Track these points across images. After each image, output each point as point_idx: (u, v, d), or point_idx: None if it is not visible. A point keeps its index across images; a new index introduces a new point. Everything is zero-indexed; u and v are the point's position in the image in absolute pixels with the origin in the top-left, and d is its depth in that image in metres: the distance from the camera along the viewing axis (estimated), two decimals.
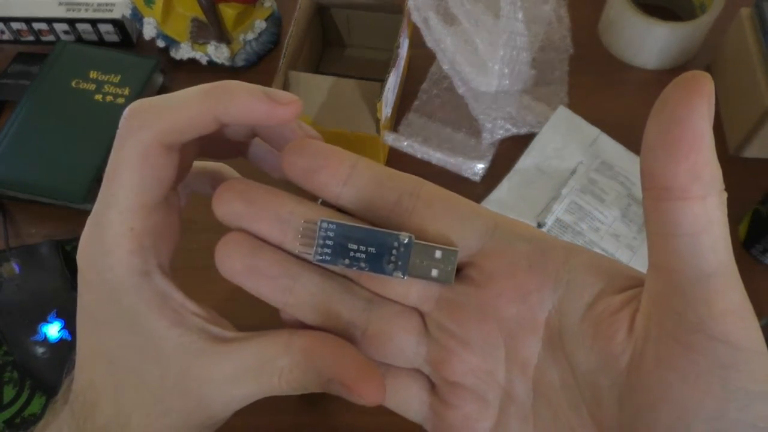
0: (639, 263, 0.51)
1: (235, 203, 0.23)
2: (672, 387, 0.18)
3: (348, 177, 0.23)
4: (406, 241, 0.22)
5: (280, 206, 0.23)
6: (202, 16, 0.63)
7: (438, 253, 0.22)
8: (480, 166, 0.57)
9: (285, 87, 0.54)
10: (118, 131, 0.23)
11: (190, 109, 0.22)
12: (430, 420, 0.24)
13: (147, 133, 0.22)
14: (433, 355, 0.23)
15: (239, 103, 0.22)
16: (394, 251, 0.22)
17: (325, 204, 0.23)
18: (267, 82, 0.53)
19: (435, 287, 0.23)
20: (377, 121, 0.53)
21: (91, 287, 0.23)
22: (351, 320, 0.23)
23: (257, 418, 0.47)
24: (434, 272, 0.22)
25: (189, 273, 0.54)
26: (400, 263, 0.22)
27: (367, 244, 0.22)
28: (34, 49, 0.68)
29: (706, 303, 0.17)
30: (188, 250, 0.54)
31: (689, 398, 0.17)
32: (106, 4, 0.66)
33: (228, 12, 0.64)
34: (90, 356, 0.25)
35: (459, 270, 0.22)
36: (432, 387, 0.24)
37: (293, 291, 0.23)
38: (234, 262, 0.23)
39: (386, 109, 0.54)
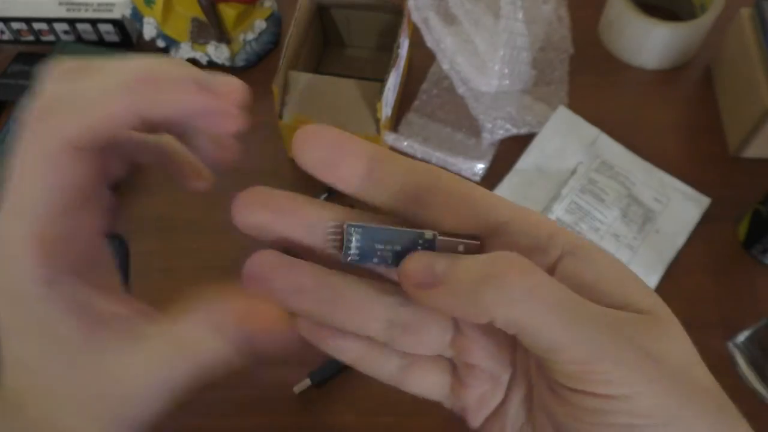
0: (639, 263, 0.51)
1: (261, 213, 0.21)
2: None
3: (369, 171, 0.22)
4: (430, 237, 0.22)
5: (306, 213, 0.22)
6: (202, 16, 0.63)
7: (461, 247, 0.22)
8: (480, 166, 0.57)
9: (285, 87, 0.55)
10: (21, 129, 0.20)
11: (107, 107, 0.20)
12: (449, 399, 0.25)
13: (53, 137, 0.20)
14: (457, 341, 0.23)
15: (168, 99, 0.20)
16: (419, 248, 0.22)
17: (331, 198, 0.24)
18: (267, 82, 0.53)
19: None
20: (377, 121, 0.53)
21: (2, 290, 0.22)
22: (391, 318, 0.23)
23: (257, 418, 0.47)
24: None
25: (190, 273, 0.54)
26: None
27: (393, 243, 0.22)
28: (34, 49, 0.68)
29: (559, 374, 0.19)
30: (188, 249, 0.54)
31: None
32: (106, 4, 0.66)
33: (228, 12, 0.64)
34: (11, 363, 0.23)
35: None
36: (453, 369, 0.25)
37: (334, 302, 0.22)
38: (278, 286, 0.22)
39: (386, 109, 0.54)
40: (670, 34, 0.60)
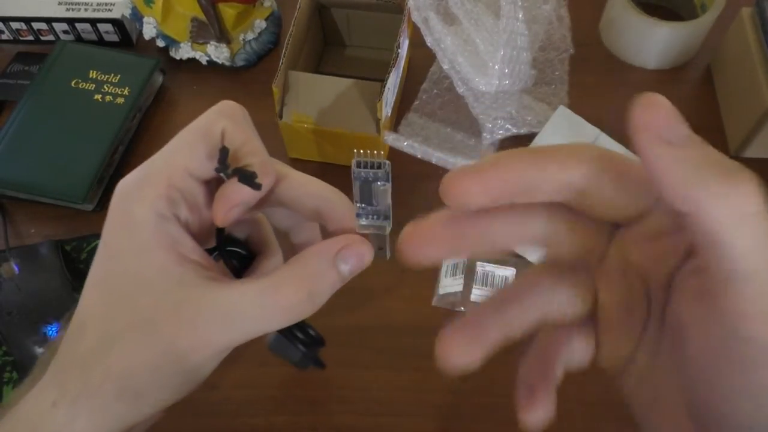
0: None
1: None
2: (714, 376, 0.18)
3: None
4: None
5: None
6: (202, 16, 0.63)
7: None
8: None
9: (285, 87, 0.54)
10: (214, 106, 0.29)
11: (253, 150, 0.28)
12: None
13: (222, 120, 0.28)
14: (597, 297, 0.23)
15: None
16: None
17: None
18: (267, 82, 0.53)
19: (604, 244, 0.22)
20: (377, 121, 0.53)
21: (115, 215, 0.27)
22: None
23: (257, 418, 0.47)
24: None
25: None
26: None
27: None
28: (33, 49, 0.68)
29: (738, 308, 0.17)
30: None
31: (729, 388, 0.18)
32: (106, 4, 0.66)
33: (228, 12, 0.64)
34: (91, 284, 0.27)
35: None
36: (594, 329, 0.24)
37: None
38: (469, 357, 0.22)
39: (386, 109, 0.54)
40: (671, 34, 0.60)
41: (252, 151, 0.28)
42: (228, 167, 0.27)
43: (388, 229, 0.26)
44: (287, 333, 0.35)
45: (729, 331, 0.18)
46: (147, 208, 0.26)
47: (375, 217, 0.26)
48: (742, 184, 0.17)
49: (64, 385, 0.26)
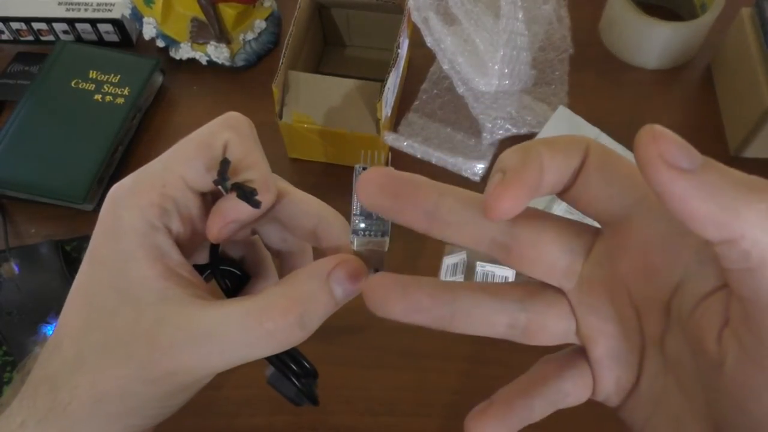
0: None
1: (380, 198, 0.21)
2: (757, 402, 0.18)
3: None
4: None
5: (425, 199, 0.21)
6: (202, 16, 0.63)
7: None
8: (480, 166, 0.57)
9: (285, 87, 0.54)
10: (217, 118, 0.28)
11: (256, 163, 0.27)
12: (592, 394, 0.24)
13: (226, 133, 0.27)
14: (582, 331, 0.23)
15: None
16: None
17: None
18: (267, 82, 0.53)
19: (579, 263, 0.22)
20: (377, 121, 0.53)
21: (104, 220, 0.26)
22: (511, 323, 0.22)
23: (257, 418, 0.47)
24: None
25: None
26: None
27: None
28: (33, 49, 0.68)
29: None
30: None
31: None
32: (106, 4, 0.66)
33: (228, 12, 0.64)
34: (72, 296, 0.26)
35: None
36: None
37: (452, 316, 0.22)
38: (392, 308, 0.22)
39: (386, 109, 0.54)
40: (671, 34, 0.60)
41: (253, 164, 0.27)
42: (227, 180, 0.26)
43: (387, 246, 0.25)
44: (279, 364, 0.33)
45: None
46: (137, 215, 0.25)
47: (373, 232, 0.25)
48: None
49: (34, 403, 0.25)
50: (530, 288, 0.23)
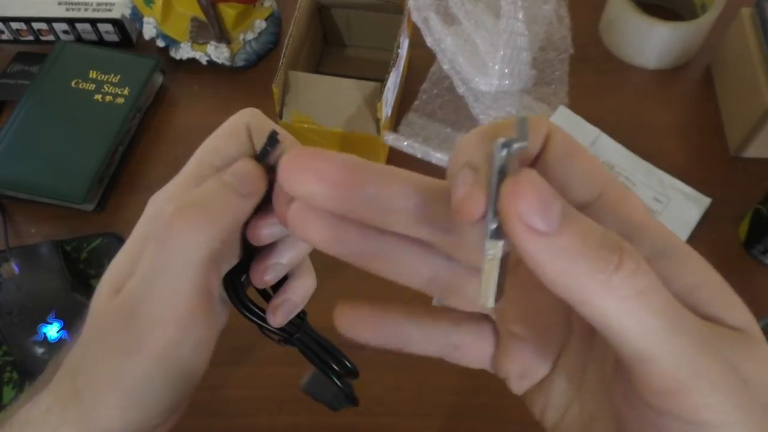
0: None
1: (311, 185, 0.19)
2: None
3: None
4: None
5: (363, 186, 0.19)
6: (202, 16, 0.63)
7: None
8: None
9: (285, 87, 0.54)
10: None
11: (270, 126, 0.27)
12: (491, 366, 0.24)
13: (246, 117, 0.28)
14: (503, 309, 0.22)
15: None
16: None
17: None
18: (267, 82, 0.53)
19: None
20: (377, 121, 0.53)
21: (161, 235, 0.25)
22: (432, 276, 0.21)
23: (257, 419, 0.47)
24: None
25: None
26: None
27: None
28: (33, 49, 0.68)
29: (646, 386, 0.17)
30: None
31: None
32: (106, 4, 0.66)
33: (228, 12, 0.64)
34: (107, 288, 0.27)
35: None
36: (497, 336, 0.23)
37: (379, 253, 0.21)
38: (317, 233, 0.20)
39: (386, 109, 0.54)
40: (671, 34, 0.60)
41: (290, 143, 0.27)
42: (270, 152, 0.26)
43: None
44: (320, 364, 0.33)
45: (645, 405, 0.17)
46: (202, 247, 0.25)
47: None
48: (624, 264, 0.16)
49: (59, 390, 0.27)
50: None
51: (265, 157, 0.26)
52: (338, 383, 0.33)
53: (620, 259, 0.16)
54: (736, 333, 0.18)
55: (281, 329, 0.32)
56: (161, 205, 0.27)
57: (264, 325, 0.31)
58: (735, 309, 0.19)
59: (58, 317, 0.50)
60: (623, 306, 0.16)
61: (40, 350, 0.48)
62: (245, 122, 0.27)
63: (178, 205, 0.25)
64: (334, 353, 0.33)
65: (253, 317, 0.30)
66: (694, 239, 0.53)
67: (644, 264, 0.16)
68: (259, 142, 0.27)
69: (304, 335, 0.32)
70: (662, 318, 0.16)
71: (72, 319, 0.49)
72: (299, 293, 0.32)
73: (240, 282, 0.29)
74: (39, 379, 0.31)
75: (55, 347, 0.49)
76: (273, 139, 0.26)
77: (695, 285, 0.18)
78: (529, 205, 0.15)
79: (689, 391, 0.16)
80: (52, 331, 0.49)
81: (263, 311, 0.31)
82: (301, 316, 0.33)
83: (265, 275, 0.29)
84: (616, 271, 0.16)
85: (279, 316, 0.31)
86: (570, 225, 0.16)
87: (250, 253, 0.29)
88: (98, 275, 0.52)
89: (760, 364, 0.18)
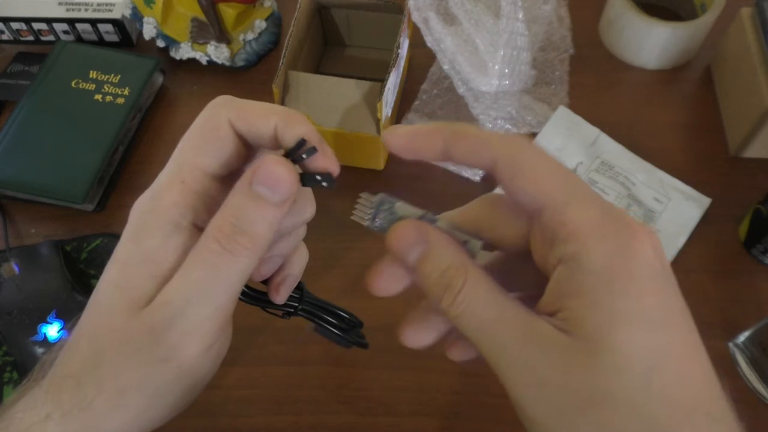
0: None
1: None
2: None
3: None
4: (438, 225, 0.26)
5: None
6: (202, 16, 0.63)
7: (464, 242, 0.26)
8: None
9: (285, 87, 0.54)
10: (207, 105, 0.27)
11: (263, 112, 0.27)
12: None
13: (224, 110, 0.27)
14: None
15: (301, 130, 0.26)
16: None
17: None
18: (267, 82, 0.53)
19: None
20: (377, 121, 0.53)
21: (129, 228, 0.26)
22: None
23: (257, 418, 0.47)
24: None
25: None
26: None
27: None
28: (34, 49, 0.68)
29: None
30: None
31: None
32: (106, 4, 0.66)
33: (228, 12, 0.64)
34: (92, 297, 0.27)
35: None
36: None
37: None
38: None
39: (386, 109, 0.54)
40: (671, 34, 0.60)
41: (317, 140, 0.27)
42: (301, 157, 0.26)
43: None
44: (318, 321, 0.35)
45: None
46: (160, 217, 0.26)
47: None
48: (444, 300, 0.25)
49: (59, 397, 0.26)
50: None
51: (297, 160, 0.26)
52: (348, 338, 0.36)
53: (441, 297, 0.24)
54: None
55: (284, 304, 0.33)
56: (145, 211, 0.27)
57: (267, 305, 0.32)
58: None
59: (58, 317, 0.50)
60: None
61: (40, 350, 0.48)
62: (224, 116, 0.27)
63: (220, 236, 0.25)
64: (337, 313, 0.35)
65: (255, 302, 0.31)
66: (694, 239, 0.53)
67: (460, 297, 0.24)
68: (259, 131, 0.27)
69: (307, 304, 0.33)
70: (479, 332, 0.24)
71: (72, 319, 0.49)
72: (297, 266, 0.33)
73: None
74: (27, 381, 0.30)
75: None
76: (311, 149, 0.26)
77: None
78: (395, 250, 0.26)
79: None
80: (52, 331, 0.49)
81: (262, 293, 0.31)
82: (299, 286, 0.34)
83: (264, 268, 0.30)
84: (442, 299, 0.24)
85: (282, 293, 0.32)
86: (421, 265, 0.25)
87: None
88: (98, 275, 0.52)
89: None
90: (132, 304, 0.25)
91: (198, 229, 0.26)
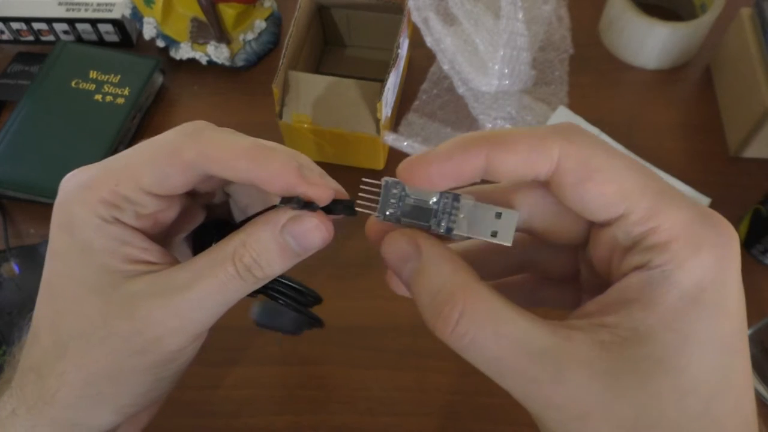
0: None
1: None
2: None
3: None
4: (469, 204, 0.23)
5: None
6: (202, 16, 0.63)
7: (498, 214, 0.22)
8: None
9: (285, 87, 0.54)
10: (176, 128, 0.26)
11: (235, 158, 0.24)
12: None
13: (189, 142, 0.25)
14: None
15: (272, 171, 0.24)
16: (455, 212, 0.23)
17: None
18: (267, 82, 0.53)
19: None
20: (377, 121, 0.53)
21: (57, 215, 0.26)
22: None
23: (257, 419, 0.47)
24: (492, 232, 0.23)
25: None
26: (456, 222, 0.23)
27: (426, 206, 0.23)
28: (34, 49, 0.68)
29: None
30: None
31: None
32: (106, 4, 0.66)
33: (228, 12, 0.64)
34: (41, 289, 0.26)
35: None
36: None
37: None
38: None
39: (386, 109, 0.54)
40: (670, 34, 0.60)
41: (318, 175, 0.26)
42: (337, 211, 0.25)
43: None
44: (273, 294, 0.32)
45: None
46: (87, 210, 0.25)
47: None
48: (438, 327, 0.22)
49: (23, 391, 0.26)
50: None
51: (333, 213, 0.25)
52: (296, 308, 0.32)
53: (435, 325, 0.21)
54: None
55: None
56: (73, 201, 0.26)
57: None
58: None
59: None
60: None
61: None
62: (187, 149, 0.25)
63: (239, 264, 0.25)
64: (299, 288, 0.33)
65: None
66: None
67: (460, 328, 0.20)
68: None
69: (273, 282, 0.32)
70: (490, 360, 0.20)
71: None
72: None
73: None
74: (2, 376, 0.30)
75: None
76: (350, 209, 0.25)
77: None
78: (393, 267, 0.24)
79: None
80: None
81: None
82: None
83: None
84: (436, 329, 0.21)
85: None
86: (412, 284, 0.22)
87: (214, 221, 0.30)
88: None
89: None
90: (90, 293, 0.25)
91: (122, 223, 0.26)
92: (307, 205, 0.25)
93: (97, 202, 0.25)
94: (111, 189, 0.25)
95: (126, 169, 0.26)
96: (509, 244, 0.22)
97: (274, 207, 0.26)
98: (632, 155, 0.58)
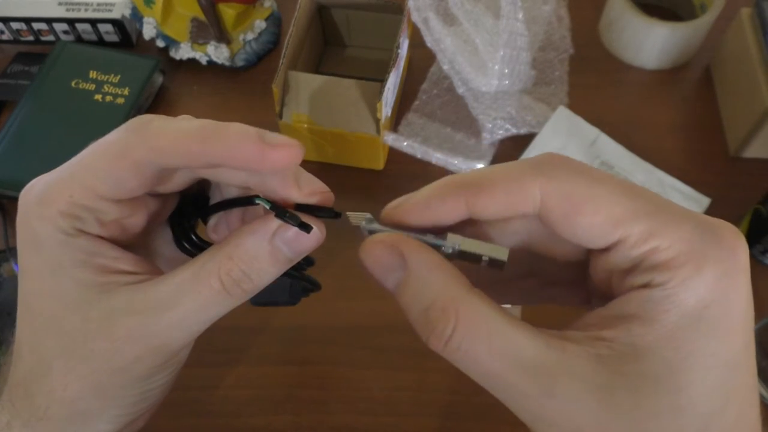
0: None
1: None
2: None
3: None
4: (449, 252, 0.22)
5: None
6: (201, 16, 0.63)
7: (485, 259, 0.22)
8: (480, 167, 0.57)
9: (285, 87, 0.54)
10: (122, 126, 0.24)
11: (185, 143, 0.23)
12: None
13: (135, 138, 0.23)
14: None
15: (229, 144, 0.22)
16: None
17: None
18: (267, 82, 0.53)
19: None
20: (377, 121, 0.53)
21: (20, 231, 0.25)
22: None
23: (257, 419, 0.47)
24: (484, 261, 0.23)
25: None
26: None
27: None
28: (33, 49, 0.68)
29: None
30: None
31: None
32: (106, 4, 0.66)
33: (228, 12, 0.64)
34: (19, 307, 0.26)
35: None
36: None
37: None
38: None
39: (386, 109, 0.54)
40: (670, 34, 0.60)
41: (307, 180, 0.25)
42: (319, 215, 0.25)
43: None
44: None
45: None
46: (48, 225, 0.24)
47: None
48: (430, 340, 0.22)
49: (15, 406, 0.25)
50: None
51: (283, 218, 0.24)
52: (305, 278, 0.31)
53: (428, 339, 0.21)
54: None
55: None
56: (32, 213, 0.25)
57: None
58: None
59: None
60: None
61: None
62: (135, 145, 0.23)
63: (226, 279, 0.24)
64: None
65: (198, 250, 0.28)
66: None
67: (453, 343, 0.20)
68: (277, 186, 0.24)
69: None
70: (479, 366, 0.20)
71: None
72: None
73: (191, 228, 0.28)
74: None
75: None
76: (332, 213, 0.25)
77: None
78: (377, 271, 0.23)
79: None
80: None
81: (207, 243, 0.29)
82: None
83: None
84: (429, 343, 0.21)
85: (221, 233, 0.29)
86: (400, 296, 0.22)
87: (190, 198, 0.29)
88: None
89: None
90: (67, 311, 0.24)
91: (87, 234, 0.24)
92: (294, 217, 0.24)
93: (57, 215, 0.24)
94: (67, 200, 0.24)
95: (79, 178, 0.24)
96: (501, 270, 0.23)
97: (253, 196, 0.25)
98: (632, 155, 0.58)
